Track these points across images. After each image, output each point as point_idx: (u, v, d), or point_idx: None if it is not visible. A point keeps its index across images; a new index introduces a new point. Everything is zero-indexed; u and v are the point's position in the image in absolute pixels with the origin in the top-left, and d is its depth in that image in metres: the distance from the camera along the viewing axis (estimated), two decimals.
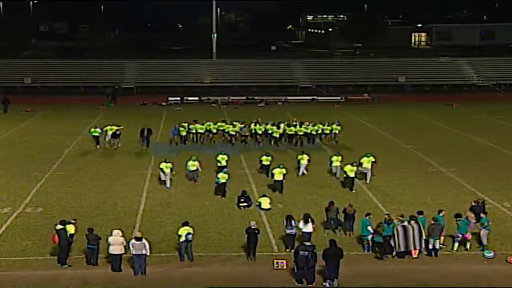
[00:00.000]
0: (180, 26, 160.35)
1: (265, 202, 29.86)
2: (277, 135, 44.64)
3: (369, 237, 24.64)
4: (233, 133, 45.06)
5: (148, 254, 22.79)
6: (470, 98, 72.97)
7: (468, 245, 25.11)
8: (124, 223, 27.61)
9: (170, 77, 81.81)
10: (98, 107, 64.67)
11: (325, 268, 22.08)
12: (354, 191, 32.85)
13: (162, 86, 78.89)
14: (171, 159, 35.38)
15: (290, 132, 44.89)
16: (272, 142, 44.62)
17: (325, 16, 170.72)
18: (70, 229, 23.83)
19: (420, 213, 25.71)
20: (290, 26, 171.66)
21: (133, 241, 22.81)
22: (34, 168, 38.28)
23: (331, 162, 35.96)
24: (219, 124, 46.21)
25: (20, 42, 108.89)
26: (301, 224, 24.89)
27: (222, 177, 31.97)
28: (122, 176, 36.27)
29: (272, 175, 33.02)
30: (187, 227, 23.99)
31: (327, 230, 26.71)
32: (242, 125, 45.52)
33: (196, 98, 72.56)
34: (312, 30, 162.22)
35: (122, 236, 23.22)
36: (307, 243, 22.59)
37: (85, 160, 40.90)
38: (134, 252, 22.64)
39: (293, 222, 24.86)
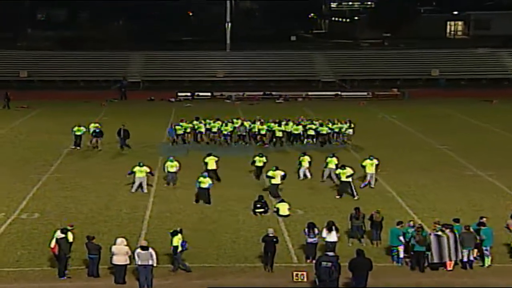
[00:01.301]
0: (190, 14, 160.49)
1: (284, 208, 29.84)
2: (281, 134, 44.82)
3: (401, 247, 24.50)
4: (226, 132, 45.02)
5: (155, 264, 22.78)
6: (511, 94, 72.58)
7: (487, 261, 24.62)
8: (129, 231, 27.66)
9: (180, 70, 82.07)
10: (100, 103, 64.94)
11: (351, 280, 22.03)
12: (356, 197, 32.49)
13: (171, 80, 79.16)
14: (178, 159, 35.40)
15: (296, 132, 45.00)
16: (276, 142, 44.89)
17: (350, 3, 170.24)
18: (70, 237, 23.87)
19: (456, 221, 25.55)
20: (312, 14, 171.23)
21: (138, 250, 22.81)
22: (30, 170, 38.44)
23: (326, 164, 35.68)
24: (215, 123, 45.92)
25: (15, 32, 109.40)
26: (324, 233, 24.78)
27: (203, 181, 31.74)
28: (126, 179, 36.24)
29: (268, 177, 33.02)
30: (180, 235, 23.98)
31: (351, 239, 26.64)
32: (238, 124, 45.60)
33: (208, 94, 72.75)
34: (336, 19, 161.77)
35: (127, 245, 23.24)
36: (330, 253, 22.51)
37: (85, 161, 41.08)
38: (139, 263, 22.64)
39: (316, 230, 24.82)
